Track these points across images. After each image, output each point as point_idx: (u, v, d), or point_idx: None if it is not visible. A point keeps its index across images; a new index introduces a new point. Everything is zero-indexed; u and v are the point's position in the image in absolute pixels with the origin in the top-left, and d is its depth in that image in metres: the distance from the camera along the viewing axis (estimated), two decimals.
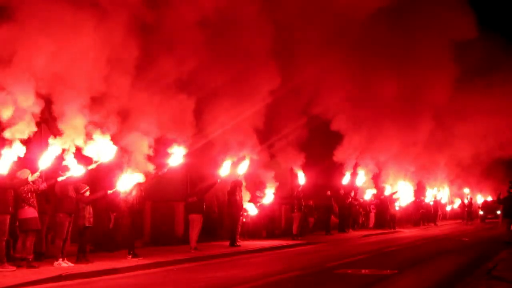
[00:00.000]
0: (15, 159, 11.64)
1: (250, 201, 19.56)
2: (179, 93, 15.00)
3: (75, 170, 12.45)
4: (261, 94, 17.95)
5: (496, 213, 39.06)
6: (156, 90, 14.40)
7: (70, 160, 12.38)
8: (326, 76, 21.87)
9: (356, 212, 28.01)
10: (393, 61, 25.49)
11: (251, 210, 19.62)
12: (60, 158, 12.38)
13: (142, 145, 13.93)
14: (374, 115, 26.73)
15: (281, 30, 17.89)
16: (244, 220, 19.05)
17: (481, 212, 40.08)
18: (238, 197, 18.12)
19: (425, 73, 28.09)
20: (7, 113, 11.29)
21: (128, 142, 13.74)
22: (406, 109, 27.86)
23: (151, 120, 14.19)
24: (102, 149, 12.74)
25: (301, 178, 21.96)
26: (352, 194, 26.47)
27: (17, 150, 11.52)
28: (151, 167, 14.19)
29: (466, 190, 41.40)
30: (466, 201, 39.68)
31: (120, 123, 13.17)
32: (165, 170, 15.07)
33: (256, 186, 20.20)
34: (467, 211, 38.24)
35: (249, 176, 19.36)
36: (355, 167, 26.75)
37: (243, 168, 18.04)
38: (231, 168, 17.73)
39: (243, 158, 18.07)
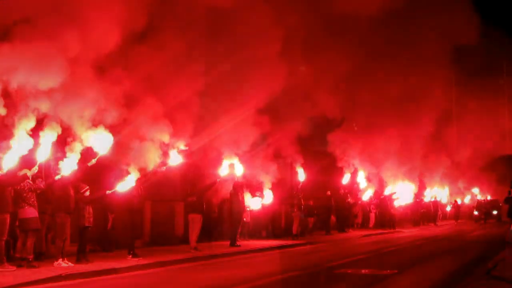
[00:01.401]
0: (18, 157, 11.63)
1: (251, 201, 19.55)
2: (179, 90, 14.99)
3: (72, 166, 12.39)
4: (263, 93, 17.90)
5: (492, 213, 39.01)
6: (156, 88, 14.41)
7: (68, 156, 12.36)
8: (327, 74, 21.89)
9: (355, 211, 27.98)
10: (395, 61, 25.54)
11: (255, 205, 19.55)
12: (57, 155, 12.38)
13: (144, 143, 13.95)
14: (374, 113, 26.80)
15: (283, 28, 17.86)
16: (244, 219, 19.04)
17: (476, 212, 39.91)
18: (240, 198, 18.15)
19: (427, 73, 28.16)
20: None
21: (130, 140, 13.76)
22: (407, 107, 27.94)
23: (151, 118, 14.20)
24: (100, 142, 12.70)
25: (301, 176, 21.97)
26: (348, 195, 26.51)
27: (20, 148, 11.52)
28: (150, 166, 14.19)
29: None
30: (461, 202, 39.71)
31: (121, 121, 13.18)
32: (164, 168, 15.06)
33: (256, 186, 20.18)
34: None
35: (249, 176, 19.35)
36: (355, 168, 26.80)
37: (240, 169, 17.99)
38: (231, 168, 17.72)
39: (240, 159, 18.06)
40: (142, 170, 14.05)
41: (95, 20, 12.16)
